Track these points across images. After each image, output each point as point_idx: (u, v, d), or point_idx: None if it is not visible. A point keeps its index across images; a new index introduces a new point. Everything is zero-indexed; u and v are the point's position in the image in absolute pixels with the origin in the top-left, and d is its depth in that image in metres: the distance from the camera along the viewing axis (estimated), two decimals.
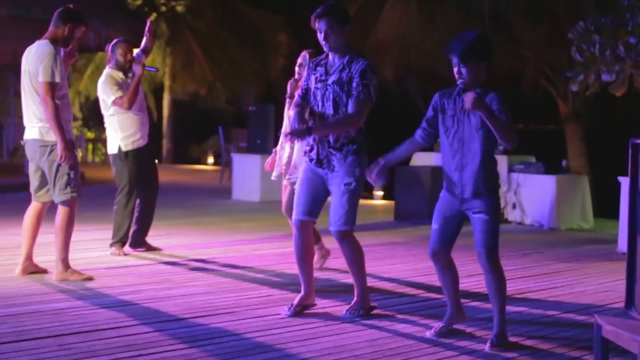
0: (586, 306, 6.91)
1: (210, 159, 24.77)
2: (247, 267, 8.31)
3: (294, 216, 6.39)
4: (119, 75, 8.62)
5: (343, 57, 6.15)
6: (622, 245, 9.89)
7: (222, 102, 25.59)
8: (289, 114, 6.39)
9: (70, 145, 7.13)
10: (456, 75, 5.47)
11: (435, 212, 5.73)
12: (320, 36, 6.14)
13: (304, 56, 7.99)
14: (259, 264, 8.45)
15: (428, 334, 5.81)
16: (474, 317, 6.30)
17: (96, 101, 23.65)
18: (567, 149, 17.36)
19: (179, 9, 23.03)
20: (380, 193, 15.88)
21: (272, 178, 8.39)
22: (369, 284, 6.63)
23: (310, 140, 6.23)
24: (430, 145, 5.90)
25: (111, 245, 8.68)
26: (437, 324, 5.89)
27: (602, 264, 9.09)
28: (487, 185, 5.49)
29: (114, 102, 8.52)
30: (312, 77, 6.26)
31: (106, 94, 8.57)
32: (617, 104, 17.50)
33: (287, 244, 9.76)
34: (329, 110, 6.14)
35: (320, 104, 6.18)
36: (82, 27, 7.38)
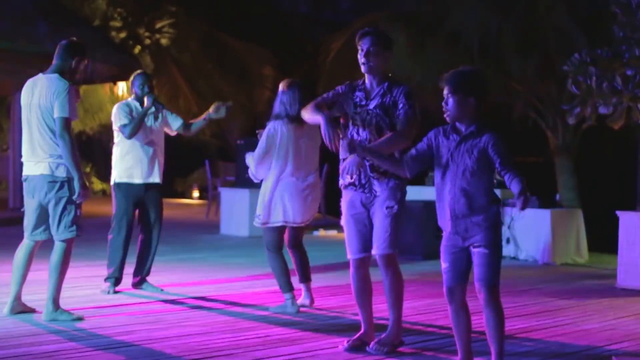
0: (592, 347, 6.70)
1: (196, 193, 24.56)
2: (242, 305, 8.09)
3: (349, 256, 6.33)
4: (136, 105, 8.57)
5: (382, 82, 6.15)
6: (622, 280, 9.75)
7: (206, 136, 25.38)
8: (313, 119, 6.19)
9: (85, 182, 7.02)
10: (443, 106, 5.33)
11: (442, 251, 5.53)
12: (361, 54, 6.10)
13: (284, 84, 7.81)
14: (254, 303, 8.23)
15: None
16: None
17: (81, 134, 23.50)
18: (557, 182, 17.24)
19: (164, 41, 22.91)
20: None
21: None
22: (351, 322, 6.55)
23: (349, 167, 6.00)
24: (411, 175, 5.67)
25: (105, 280, 8.49)
26: None
27: (603, 300, 8.91)
28: (488, 221, 5.31)
29: (119, 128, 8.48)
30: (350, 102, 6.17)
31: (114, 119, 8.55)
32: (606, 136, 17.46)
33: None
34: (371, 136, 6.09)
35: (360, 129, 6.12)
36: (87, 61, 7.26)
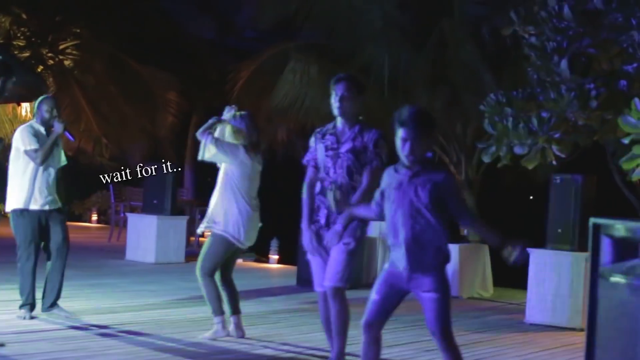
0: None
1: (94, 217, 24.19)
2: (162, 335, 8.01)
3: (316, 288, 6.46)
4: (42, 130, 8.36)
5: (353, 126, 6.33)
6: (530, 316, 10.00)
7: (105, 159, 25.03)
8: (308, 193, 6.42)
9: None
10: (405, 150, 5.20)
11: (378, 283, 5.45)
12: (335, 99, 6.30)
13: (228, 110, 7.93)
14: (174, 331, 8.17)
15: None
16: None
17: None
18: None
19: (67, 63, 22.56)
20: (276, 257, 15.70)
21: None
22: (291, 355, 6.62)
23: (320, 206, 6.37)
24: (383, 219, 5.63)
25: (20, 307, 8.31)
26: None
27: (515, 335, 9.13)
28: (437, 261, 5.28)
29: (27, 152, 8.24)
30: (321, 146, 6.36)
31: (23, 142, 8.28)
32: (506, 174, 17.86)
33: (198, 309, 9.53)
34: (342, 178, 6.29)
35: (332, 171, 6.31)
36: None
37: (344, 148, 6.28)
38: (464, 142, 17.20)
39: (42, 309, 8.48)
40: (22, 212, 8.31)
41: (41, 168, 8.29)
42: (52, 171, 8.41)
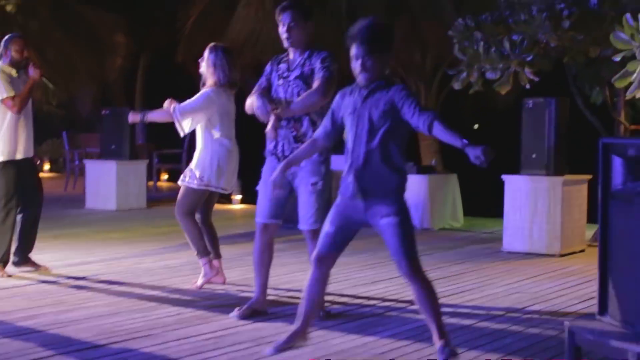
0: (507, 309, 6.76)
1: (47, 166, 23.69)
2: (139, 283, 7.77)
3: (257, 219, 6.32)
4: (13, 71, 7.92)
5: (303, 53, 6.16)
6: (507, 244, 9.89)
7: (52, 106, 24.44)
8: (252, 103, 6.12)
9: None
10: (358, 68, 4.91)
11: (332, 214, 5.08)
12: (283, 29, 6.15)
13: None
14: (150, 280, 7.92)
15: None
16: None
17: None
18: (419, 146, 17.42)
19: (9, 8, 21.81)
20: (239, 197, 15.44)
21: None
22: (271, 297, 6.74)
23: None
24: (332, 144, 5.37)
25: None
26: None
27: (495, 264, 9.01)
28: (394, 184, 4.92)
29: (3, 101, 7.80)
30: (275, 74, 6.24)
31: None
32: (465, 99, 17.72)
33: (172, 255, 9.31)
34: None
35: (283, 100, 6.15)
36: None
37: (292, 75, 6.15)
38: (423, 71, 17.01)
39: (13, 261, 8.13)
40: (6, 164, 7.93)
41: (19, 116, 7.89)
42: (27, 119, 8.03)
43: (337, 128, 5.21)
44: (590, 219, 10.38)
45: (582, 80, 12.92)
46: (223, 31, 16.66)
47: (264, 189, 6.28)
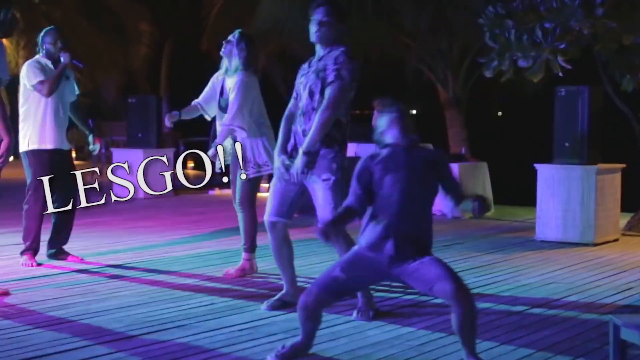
0: (543, 300, 6.66)
1: (73, 154, 23.70)
2: (171, 272, 7.73)
3: (264, 217, 6.23)
4: (49, 64, 7.93)
5: (326, 49, 6.00)
6: (540, 233, 9.77)
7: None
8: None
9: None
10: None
11: (349, 262, 4.98)
12: (314, 24, 5.98)
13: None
14: (181, 269, 7.87)
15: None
16: None
17: None
18: (447, 134, 17.29)
19: None
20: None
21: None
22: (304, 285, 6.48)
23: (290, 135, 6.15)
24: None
25: (22, 253, 7.93)
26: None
27: (529, 253, 8.90)
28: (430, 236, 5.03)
29: (34, 87, 7.81)
30: (300, 74, 6.17)
31: (28, 77, 7.84)
32: (492, 87, 17.59)
33: (201, 244, 9.29)
34: (305, 100, 6.03)
35: (302, 95, 6.08)
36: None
37: (311, 70, 6.05)
38: (449, 59, 16.87)
39: (47, 254, 8.12)
40: (35, 152, 7.90)
41: (53, 105, 7.87)
42: (64, 107, 8.03)
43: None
44: (624, 208, 10.27)
45: (612, 68, 12.75)
46: (248, 20, 16.57)
47: (274, 186, 6.18)
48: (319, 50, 6.06)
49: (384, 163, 4.92)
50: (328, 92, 5.89)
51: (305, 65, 6.17)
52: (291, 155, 6.07)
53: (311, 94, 6.00)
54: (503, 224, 11.31)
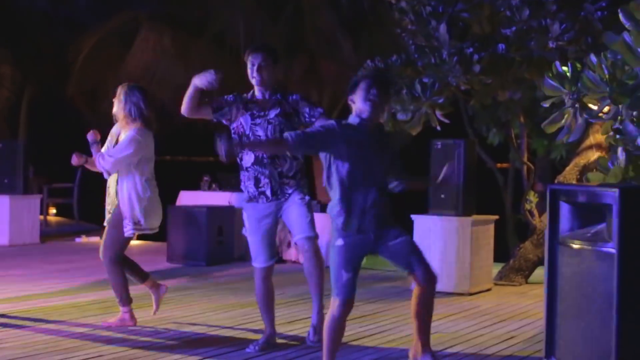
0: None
1: None
2: (53, 321, 7.54)
3: (257, 265, 6.54)
4: None
5: (275, 93, 6.51)
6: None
7: None
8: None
9: None
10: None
11: (345, 259, 5.32)
12: (253, 69, 6.41)
13: None
14: (62, 319, 7.68)
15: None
16: None
17: None
18: (315, 185, 17.46)
19: None
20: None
21: None
22: (198, 337, 6.88)
23: (260, 177, 6.47)
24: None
25: None
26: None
27: (408, 303, 8.97)
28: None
29: None
30: (247, 114, 6.45)
31: None
32: None
33: (78, 295, 9.06)
34: None
35: (263, 138, 6.40)
36: None
37: (272, 114, 6.43)
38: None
39: None
40: None
41: None
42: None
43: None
44: (496, 259, 10.57)
45: (479, 122, 13.21)
46: (117, 65, 16.43)
47: (255, 234, 6.51)
48: (260, 92, 6.47)
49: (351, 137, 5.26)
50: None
51: (252, 106, 6.44)
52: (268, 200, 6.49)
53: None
54: (376, 273, 11.44)
